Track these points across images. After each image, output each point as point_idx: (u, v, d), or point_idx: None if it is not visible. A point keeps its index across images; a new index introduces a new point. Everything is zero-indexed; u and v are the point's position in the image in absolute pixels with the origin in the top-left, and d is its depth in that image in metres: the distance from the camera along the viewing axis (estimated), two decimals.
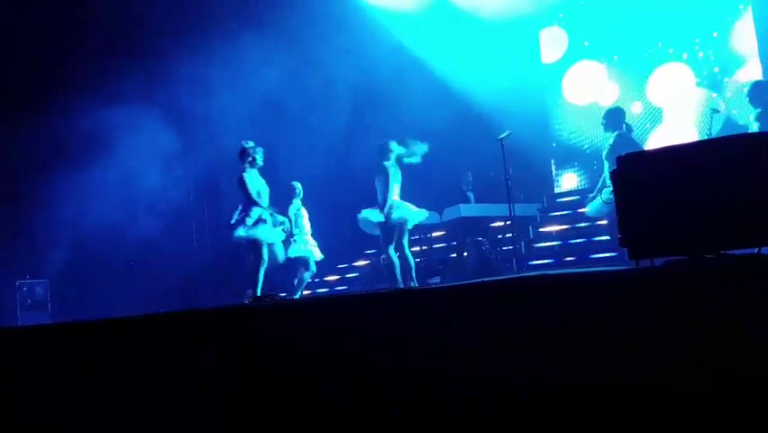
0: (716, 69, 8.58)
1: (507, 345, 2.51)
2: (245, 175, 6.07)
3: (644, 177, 2.59)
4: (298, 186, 7.17)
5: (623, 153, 2.74)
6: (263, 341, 3.09)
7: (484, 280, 3.26)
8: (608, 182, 5.93)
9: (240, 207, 6.13)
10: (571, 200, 9.10)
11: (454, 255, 8.20)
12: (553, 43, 10.16)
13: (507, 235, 7.77)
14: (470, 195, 8.51)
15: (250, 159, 6.12)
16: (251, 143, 6.20)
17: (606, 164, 5.98)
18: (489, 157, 6.63)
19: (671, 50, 9.01)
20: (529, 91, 9.75)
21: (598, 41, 9.67)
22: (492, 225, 8.35)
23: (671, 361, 2.19)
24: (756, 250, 2.45)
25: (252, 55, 8.98)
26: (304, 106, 9.58)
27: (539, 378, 2.40)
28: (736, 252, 2.44)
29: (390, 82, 9.59)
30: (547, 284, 2.69)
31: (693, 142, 2.94)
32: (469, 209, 7.94)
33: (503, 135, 6.11)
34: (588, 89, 9.66)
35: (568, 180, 9.95)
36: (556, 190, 9.90)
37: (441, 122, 8.98)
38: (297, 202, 7.10)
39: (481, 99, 9.32)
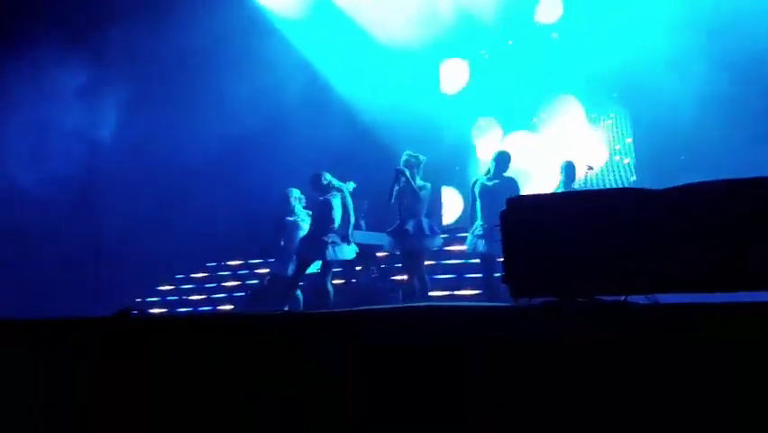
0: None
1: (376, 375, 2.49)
2: None
3: (530, 220, 2.71)
4: None
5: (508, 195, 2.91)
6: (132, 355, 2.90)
7: (365, 308, 3.24)
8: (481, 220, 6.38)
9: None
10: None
11: (342, 281, 8.16)
12: (453, 74, 10.56)
13: (397, 265, 7.84)
14: (362, 222, 8.54)
15: None
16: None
17: (479, 202, 6.42)
18: (387, 186, 6.73)
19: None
20: (430, 122, 10.01)
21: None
22: (379, 253, 8.42)
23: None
24: (623, 297, 2.62)
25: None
26: (209, 120, 9.56)
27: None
28: (607, 298, 2.60)
29: (294, 105, 9.68)
30: (429, 315, 2.73)
31: (578, 191, 3.16)
32: (360, 237, 7.94)
33: (402, 168, 6.34)
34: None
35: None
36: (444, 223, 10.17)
37: (342, 147, 9.07)
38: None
39: (384, 127, 9.50)
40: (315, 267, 6.75)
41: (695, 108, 7.52)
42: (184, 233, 9.75)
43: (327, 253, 6.35)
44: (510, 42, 10.15)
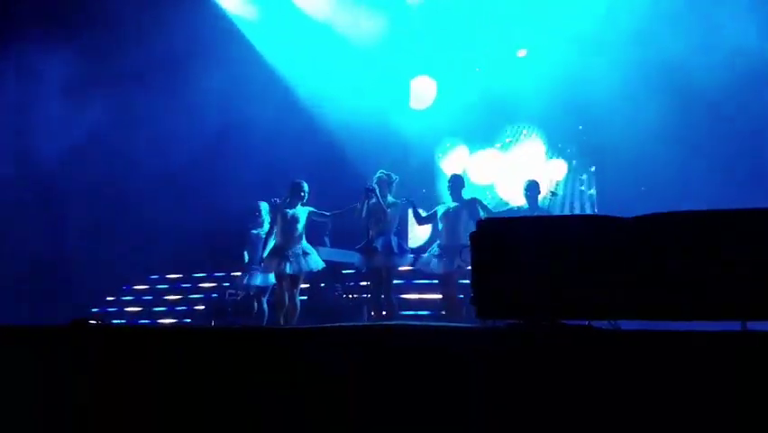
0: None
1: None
2: None
3: (499, 242, 2.74)
4: None
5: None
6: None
7: (328, 325, 3.24)
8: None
9: None
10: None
11: (305, 298, 8.08)
12: (422, 92, 10.67)
13: (363, 284, 7.81)
14: (326, 239, 8.50)
15: None
16: None
17: (440, 224, 6.48)
18: (353, 203, 6.73)
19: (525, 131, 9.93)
20: (396, 138, 10.06)
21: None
22: (345, 271, 8.37)
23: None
24: (587, 322, 2.67)
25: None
26: (179, 133, 9.53)
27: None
28: (571, 322, 2.65)
29: (253, 118, 9.67)
30: (388, 335, 2.75)
31: (548, 216, 3.23)
32: (326, 253, 7.89)
33: (373, 185, 6.36)
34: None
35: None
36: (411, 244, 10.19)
37: (307, 162, 9.06)
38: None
39: (350, 142, 9.53)
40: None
41: (654, 141, 7.79)
42: (134, 243, 9.61)
43: (299, 264, 6.29)
44: (478, 70, 10.35)
